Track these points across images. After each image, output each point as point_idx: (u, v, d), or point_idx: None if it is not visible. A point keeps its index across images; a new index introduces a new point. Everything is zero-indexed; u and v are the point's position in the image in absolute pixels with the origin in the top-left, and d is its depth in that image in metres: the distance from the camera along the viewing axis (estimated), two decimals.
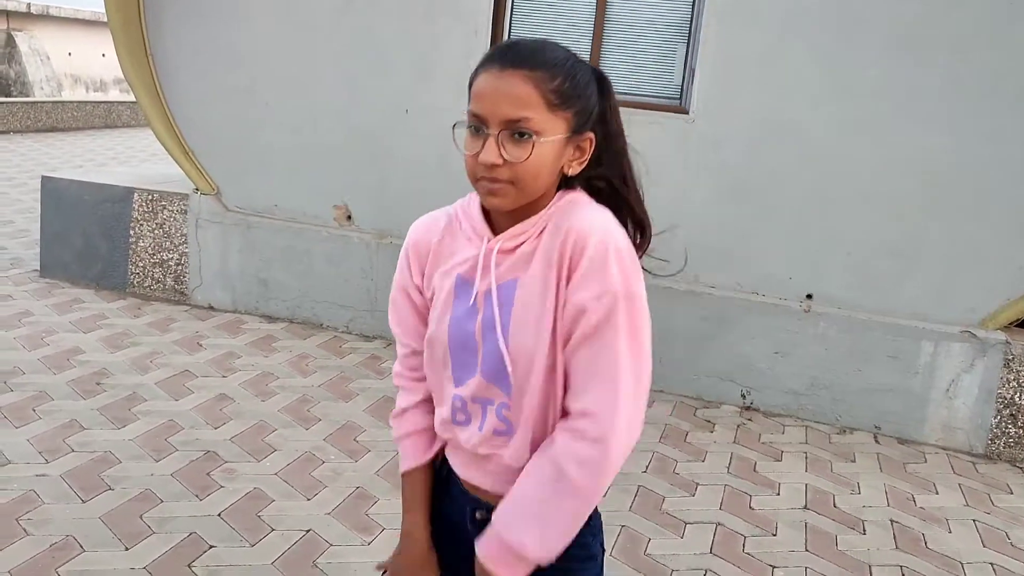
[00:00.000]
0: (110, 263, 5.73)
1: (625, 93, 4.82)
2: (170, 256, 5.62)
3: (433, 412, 1.53)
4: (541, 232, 1.35)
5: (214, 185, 5.49)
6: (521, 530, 1.30)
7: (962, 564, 3.36)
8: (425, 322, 1.49)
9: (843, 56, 4.36)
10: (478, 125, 1.29)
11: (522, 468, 1.36)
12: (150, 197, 5.59)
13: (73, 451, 3.51)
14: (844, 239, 4.51)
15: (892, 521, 3.65)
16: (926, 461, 4.31)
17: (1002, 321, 4.37)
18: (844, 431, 4.57)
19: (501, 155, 1.27)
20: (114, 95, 21.49)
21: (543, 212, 1.36)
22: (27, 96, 17.48)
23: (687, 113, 4.69)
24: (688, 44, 4.73)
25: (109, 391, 4.14)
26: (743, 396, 4.73)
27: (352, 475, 3.55)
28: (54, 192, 5.79)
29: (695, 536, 3.36)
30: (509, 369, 1.34)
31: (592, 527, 1.46)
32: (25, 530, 2.92)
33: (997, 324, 4.37)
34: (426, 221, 1.51)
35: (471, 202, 1.44)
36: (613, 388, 1.28)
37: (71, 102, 15.49)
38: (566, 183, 1.39)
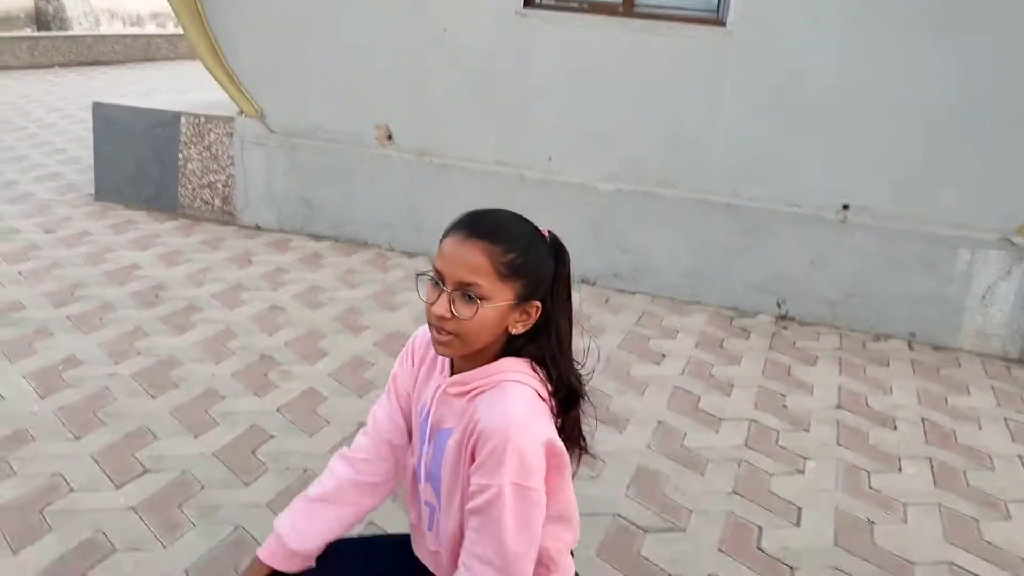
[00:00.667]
0: (161, 186, 5.92)
1: (662, 7, 4.83)
2: (217, 178, 5.79)
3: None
4: (476, 394, 1.50)
5: (258, 108, 5.62)
6: None
7: (991, 456, 3.46)
8: (401, 416, 1.72)
9: None
10: (437, 279, 1.47)
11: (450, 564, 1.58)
12: (197, 121, 5.74)
13: (140, 354, 3.73)
14: (881, 149, 4.52)
15: (923, 419, 3.75)
16: (960, 366, 4.39)
17: None
18: (879, 338, 4.65)
19: (451, 310, 1.44)
20: (150, 29, 21.58)
21: (485, 371, 1.51)
22: (66, 31, 17.64)
23: (724, 25, 4.68)
24: None
25: (168, 302, 4.34)
26: (779, 305, 4.82)
27: None
28: (105, 118, 5.97)
29: (730, 431, 3.50)
30: (443, 482, 1.56)
31: None
32: (102, 420, 3.15)
33: None
34: (426, 337, 1.66)
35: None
36: (498, 563, 1.43)
37: (112, 35, 15.62)
38: (511, 341, 1.53)
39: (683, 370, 4.05)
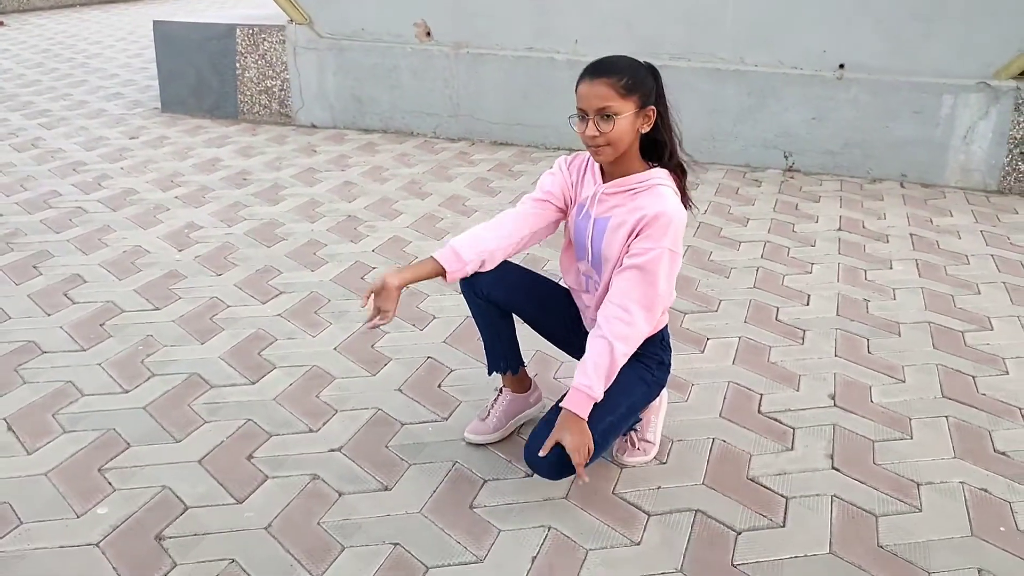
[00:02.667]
0: (221, 94, 6.53)
1: None
2: (273, 83, 6.40)
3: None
4: (634, 193, 2.19)
5: (306, 15, 6.19)
6: (591, 382, 2.12)
7: (967, 256, 4.15)
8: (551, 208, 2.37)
9: None
10: (582, 115, 2.12)
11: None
12: (251, 31, 6.32)
13: (245, 220, 4.42)
14: (872, 8, 5.09)
15: (911, 235, 4.43)
16: (945, 197, 5.04)
17: (1014, 71, 4.96)
18: (874, 181, 5.29)
19: (597, 129, 2.10)
20: None
21: (635, 176, 2.20)
22: None
23: None
24: None
25: (256, 183, 5.02)
26: (785, 158, 5.46)
27: (468, 225, 4.41)
28: (165, 34, 6.55)
29: (748, 250, 4.18)
30: (603, 264, 2.26)
31: (663, 344, 2.41)
32: (234, 263, 3.86)
33: (1009, 74, 4.97)
34: (573, 160, 2.37)
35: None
36: (646, 303, 2.15)
37: None
38: (646, 140, 2.21)
39: (705, 210, 4.72)
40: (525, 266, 2.55)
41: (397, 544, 2.14)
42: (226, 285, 3.63)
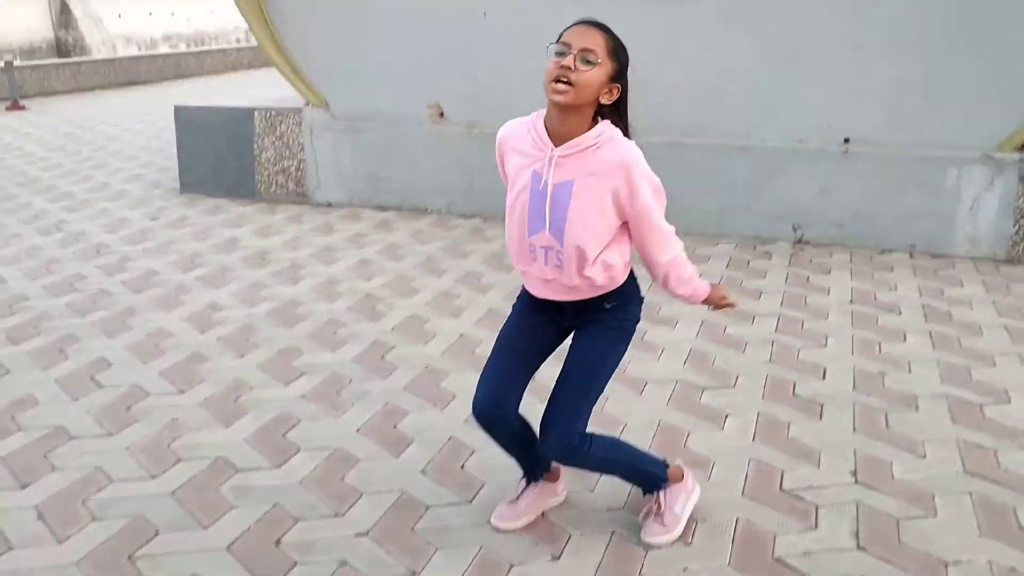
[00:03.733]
0: (239, 175, 6.69)
1: None
2: (290, 163, 6.56)
3: None
4: (596, 148, 2.14)
5: (323, 98, 6.38)
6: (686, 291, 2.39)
7: (981, 327, 4.18)
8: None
9: None
10: (564, 49, 2.08)
11: (573, 286, 2.28)
12: (268, 114, 6.51)
13: (266, 300, 4.50)
14: (876, 83, 5.23)
15: (924, 306, 4.47)
16: (955, 268, 5.09)
17: (1016, 143, 5.07)
18: (884, 251, 5.36)
19: (575, 64, 2.06)
20: (163, 50, 22.43)
21: (588, 136, 2.14)
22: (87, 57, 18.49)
23: None
24: None
25: (275, 263, 5.12)
26: (795, 230, 5.54)
27: (484, 303, 4.48)
28: (186, 118, 6.75)
29: (762, 324, 4.22)
30: (566, 231, 2.19)
31: (637, 302, 2.43)
32: (256, 344, 3.92)
33: (1012, 146, 5.08)
34: (513, 126, 2.31)
35: (537, 120, 2.22)
36: (665, 242, 2.30)
37: (146, 56, 16.46)
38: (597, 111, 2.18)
39: (718, 283, 4.76)
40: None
41: None
42: (249, 367, 3.68)
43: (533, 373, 2.49)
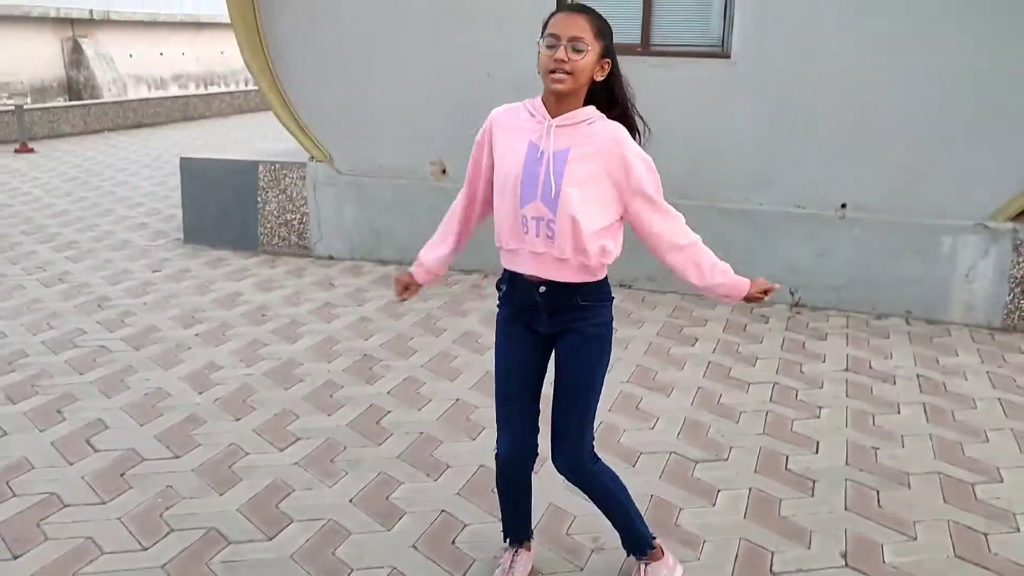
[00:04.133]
0: (242, 227, 6.76)
1: (671, 45, 5.65)
2: (293, 216, 6.63)
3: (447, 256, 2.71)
4: (589, 123, 2.29)
5: (326, 153, 6.46)
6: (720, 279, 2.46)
7: (974, 399, 4.20)
8: (480, 178, 2.56)
9: None
10: (553, 42, 2.22)
11: (564, 259, 2.32)
12: (273, 168, 6.59)
13: (265, 359, 4.53)
14: (872, 151, 5.30)
15: (918, 375, 4.49)
16: (950, 335, 5.12)
17: (1010, 213, 5.12)
18: (880, 317, 5.39)
19: (567, 55, 2.21)
20: (174, 91, 22.76)
21: (581, 112, 2.29)
22: (96, 99, 18.74)
23: (729, 57, 5.50)
24: None
25: (275, 319, 5.15)
26: (792, 294, 5.58)
27: (481, 364, 4.50)
28: (191, 170, 6.83)
29: (757, 392, 4.24)
30: (561, 197, 2.26)
31: (608, 302, 2.47)
32: (252, 407, 3.94)
33: (1006, 216, 5.13)
34: (507, 108, 2.47)
35: (536, 100, 2.37)
36: (678, 225, 2.42)
37: (154, 99, 16.67)
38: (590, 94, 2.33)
39: (714, 349, 4.80)
40: None
41: None
42: (245, 430, 3.70)
43: (538, 395, 2.56)
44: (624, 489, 2.61)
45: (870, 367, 4.59)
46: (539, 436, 2.54)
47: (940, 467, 3.51)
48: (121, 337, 4.79)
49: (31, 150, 12.07)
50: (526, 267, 2.38)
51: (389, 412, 3.93)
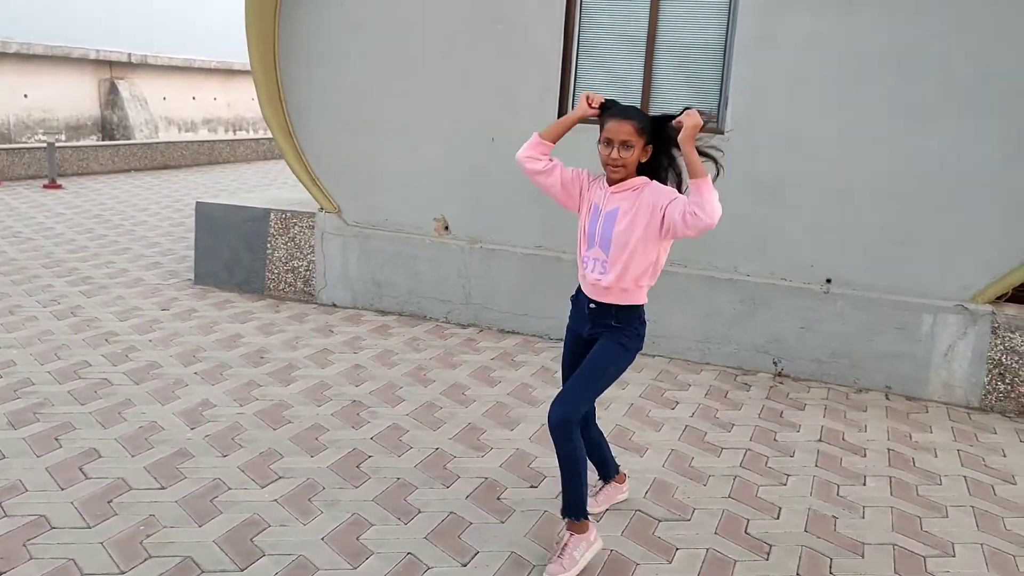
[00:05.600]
0: (251, 271, 7.01)
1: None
2: (300, 264, 6.87)
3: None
4: (634, 191, 3.10)
5: (336, 205, 6.73)
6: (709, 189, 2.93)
7: (940, 476, 4.30)
8: (567, 180, 3.27)
9: (850, 75, 5.37)
10: (609, 140, 3.07)
11: (608, 287, 3.16)
12: (284, 216, 6.86)
13: (257, 400, 4.71)
14: (857, 231, 5.48)
15: (889, 450, 4.60)
16: (927, 412, 5.23)
17: (989, 296, 5.27)
18: (860, 391, 5.51)
19: (619, 154, 3.06)
20: (203, 134, 23.39)
21: (632, 180, 3.12)
22: (128, 139, 19.30)
23: (723, 133, 5.73)
24: (722, 72, 5.78)
25: (272, 363, 5.35)
26: (775, 364, 5.72)
27: (465, 416, 4.66)
28: (206, 214, 7.11)
29: (729, 457, 4.37)
30: (611, 245, 3.13)
31: (641, 319, 3.25)
32: (240, 444, 4.11)
33: (986, 298, 5.28)
34: (589, 175, 3.28)
35: (604, 176, 3.20)
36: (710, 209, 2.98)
37: (180, 142, 17.15)
38: (640, 167, 3.15)
39: (693, 413, 4.94)
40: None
41: None
42: (230, 467, 3.87)
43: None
44: (585, 463, 3.17)
45: (843, 439, 4.71)
46: (583, 412, 3.17)
47: (896, 539, 3.62)
48: (124, 371, 5.00)
49: (59, 186, 12.48)
50: (586, 289, 3.27)
51: (370, 457, 4.09)
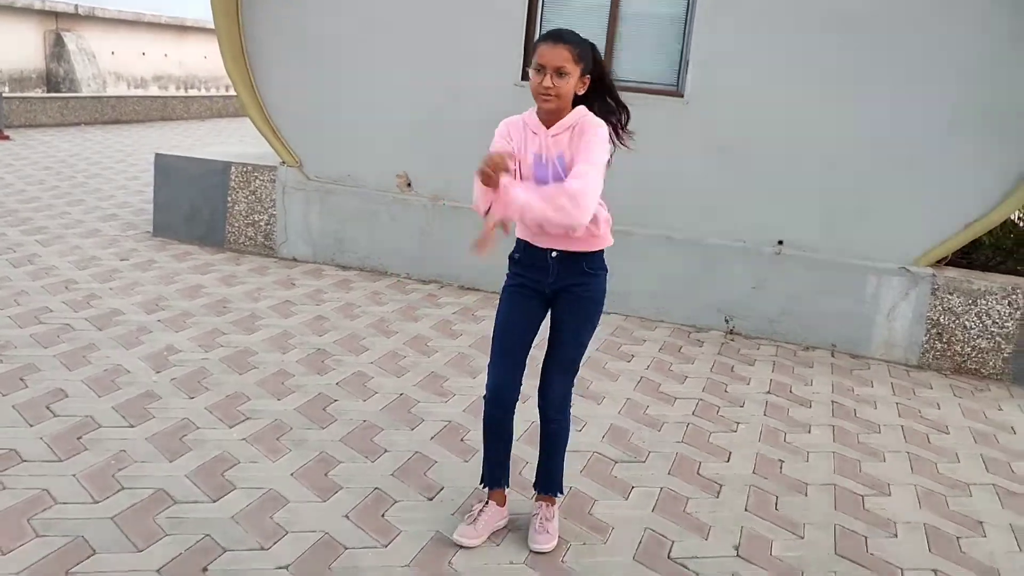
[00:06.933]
0: (211, 224, 6.99)
1: (633, 81, 6.01)
2: (261, 218, 6.87)
3: None
4: (571, 128, 2.81)
5: (297, 158, 6.74)
6: (521, 195, 2.65)
7: (880, 425, 4.54)
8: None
9: (801, 45, 5.54)
10: (540, 68, 2.75)
11: (580, 236, 2.83)
12: (245, 169, 6.84)
13: (222, 346, 4.76)
14: (808, 195, 5.68)
15: (833, 401, 4.84)
16: (869, 368, 5.49)
17: (931, 259, 5.52)
18: (808, 348, 5.75)
19: (552, 82, 2.74)
20: (153, 91, 22.87)
21: (569, 117, 2.81)
22: (75, 92, 18.78)
23: (682, 97, 5.87)
24: (683, 39, 5.91)
25: (234, 312, 5.39)
26: (727, 322, 5.92)
27: (428, 365, 4.78)
28: (164, 166, 7.06)
29: (682, 406, 4.56)
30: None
31: (604, 272, 3.00)
32: (206, 387, 4.17)
33: (927, 262, 5.53)
34: (510, 122, 2.94)
35: (531, 114, 2.87)
36: (586, 175, 2.71)
37: (132, 97, 16.82)
38: (576, 100, 2.85)
39: (648, 366, 5.12)
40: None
41: None
42: (198, 408, 3.94)
43: (528, 352, 3.04)
44: (567, 443, 3.16)
45: (790, 392, 4.93)
46: (521, 387, 3.03)
47: (837, 480, 3.84)
48: (85, 317, 5.00)
49: (7, 137, 12.19)
50: (545, 242, 2.92)
51: (336, 401, 4.18)
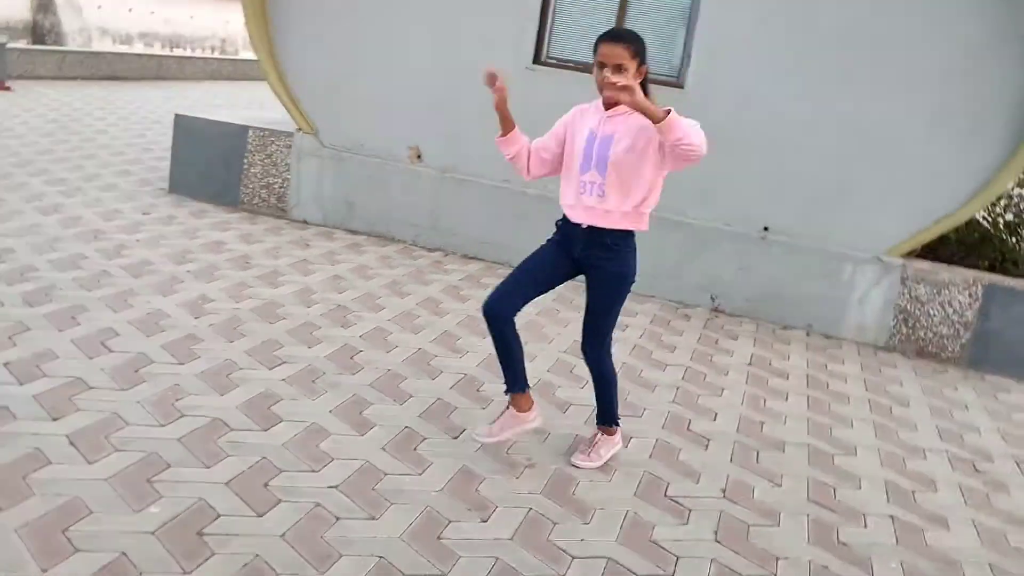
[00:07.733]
0: (226, 184, 7.31)
1: None
2: (275, 181, 7.21)
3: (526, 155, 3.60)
4: (628, 115, 3.27)
5: (313, 126, 7.07)
6: (684, 121, 3.09)
7: (849, 397, 5.03)
8: (554, 146, 3.53)
9: (798, 46, 5.97)
10: (602, 64, 3.20)
11: (609, 211, 3.36)
12: (262, 134, 7.17)
13: (251, 298, 5.13)
14: (795, 184, 6.14)
15: (808, 375, 5.32)
16: (841, 348, 5.98)
17: (903, 250, 6.01)
18: (786, 328, 6.23)
19: (613, 76, 3.10)
20: (138, 49, 22.82)
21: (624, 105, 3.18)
22: (60, 45, 18.73)
23: (683, 88, 6.29)
24: (686, 32, 6.32)
25: (257, 268, 5.75)
26: (712, 300, 6.38)
27: (441, 325, 5.18)
28: (184, 126, 7.37)
29: (672, 372, 5.01)
30: (607, 167, 3.32)
31: (634, 250, 3.54)
32: (242, 333, 4.55)
33: (899, 252, 6.01)
34: (581, 107, 3.51)
35: (598, 101, 3.39)
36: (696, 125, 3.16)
37: (129, 54, 16.92)
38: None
39: (640, 335, 5.57)
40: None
41: None
42: (238, 351, 4.32)
43: (538, 294, 3.59)
44: (616, 382, 3.69)
45: (770, 364, 5.40)
46: (517, 309, 3.50)
47: (811, 441, 4.32)
48: (120, 265, 5.34)
49: (8, 88, 12.33)
50: (578, 216, 3.42)
51: (361, 351, 4.58)
